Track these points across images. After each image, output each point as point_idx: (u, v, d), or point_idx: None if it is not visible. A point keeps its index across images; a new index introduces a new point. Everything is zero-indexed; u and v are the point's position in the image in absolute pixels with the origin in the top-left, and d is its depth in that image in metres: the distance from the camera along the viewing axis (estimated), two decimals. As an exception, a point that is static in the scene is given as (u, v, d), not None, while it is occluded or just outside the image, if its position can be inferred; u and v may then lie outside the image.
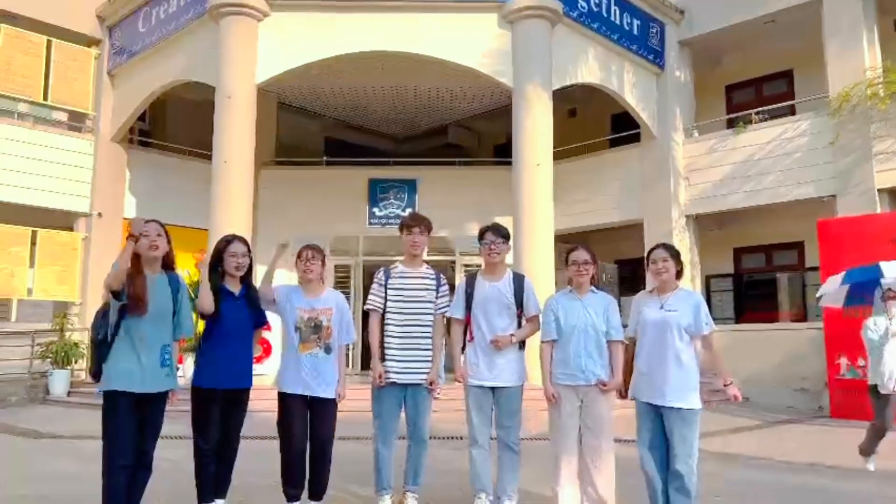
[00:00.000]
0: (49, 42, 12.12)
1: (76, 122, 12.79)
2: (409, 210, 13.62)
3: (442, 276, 4.55)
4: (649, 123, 12.55)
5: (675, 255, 4.03)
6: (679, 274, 4.00)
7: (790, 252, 12.77)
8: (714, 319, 4.04)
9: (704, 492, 4.25)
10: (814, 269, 11.22)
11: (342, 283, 13.44)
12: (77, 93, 12.51)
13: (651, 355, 3.88)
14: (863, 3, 10.99)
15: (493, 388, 4.21)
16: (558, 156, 11.16)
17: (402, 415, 4.35)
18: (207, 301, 3.89)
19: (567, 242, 13.38)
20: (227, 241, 4.11)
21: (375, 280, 4.44)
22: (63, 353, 10.70)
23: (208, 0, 10.42)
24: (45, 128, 12.25)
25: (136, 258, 3.59)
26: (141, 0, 12.09)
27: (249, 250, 4.14)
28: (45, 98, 12.12)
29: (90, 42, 12.82)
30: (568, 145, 12.85)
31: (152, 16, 11.92)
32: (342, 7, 10.45)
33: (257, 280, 4.28)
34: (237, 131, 10.25)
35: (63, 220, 12.39)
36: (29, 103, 12.23)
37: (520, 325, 4.31)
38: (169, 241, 3.71)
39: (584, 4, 11.28)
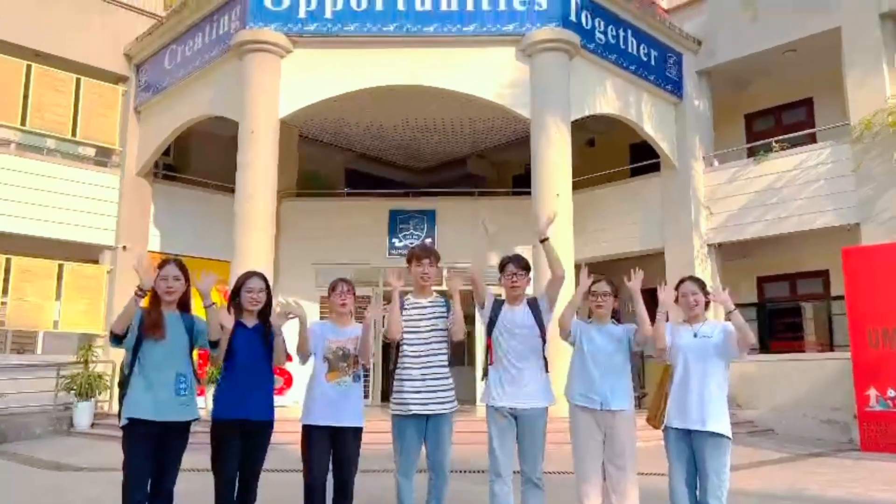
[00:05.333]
0: (78, 80, 12.45)
1: (103, 157, 13.07)
2: (428, 240, 13.68)
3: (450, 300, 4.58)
4: (669, 153, 12.55)
5: (704, 287, 4.20)
6: (707, 305, 4.13)
7: (815, 281, 12.60)
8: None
9: (733, 527, 4.17)
10: (839, 297, 11.06)
11: (363, 314, 13.45)
12: (104, 129, 12.80)
13: (687, 381, 3.95)
14: (882, 31, 10.98)
15: (515, 416, 4.18)
16: (578, 185, 11.18)
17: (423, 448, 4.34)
18: (214, 326, 3.96)
19: (588, 272, 13.38)
20: (247, 276, 4.24)
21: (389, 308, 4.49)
22: (87, 385, 10.79)
23: (233, 38, 10.66)
24: (73, 163, 12.54)
25: (155, 296, 3.80)
26: (167, 39, 12.40)
27: (268, 287, 4.26)
28: (74, 134, 12.41)
29: (118, 79, 13.15)
30: (587, 175, 12.87)
31: (178, 53, 12.21)
32: (362, 43, 10.63)
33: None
34: (260, 165, 10.40)
35: (89, 253, 12.61)
36: (58, 139, 12.54)
37: (544, 355, 4.33)
38: (188, 281, 3.86)
39: (602, 36, 11.38)
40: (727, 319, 3.95)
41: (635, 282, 4.21)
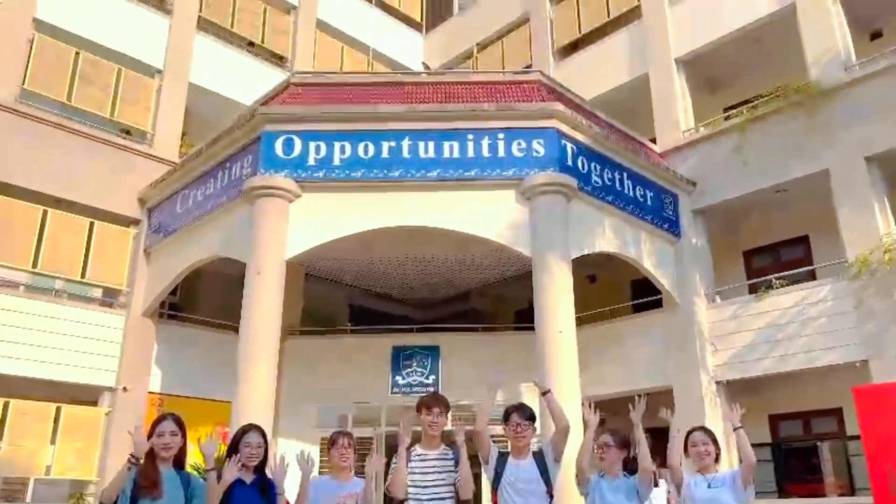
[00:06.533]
0: (92, 224, 12.85)
1: (109, 297, 13.22)
2: (432, 377, 13.53)
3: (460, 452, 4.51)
4: (670, 289, 12.65)
5: (714, 438, 4.33)
6: (718, 457, 4.18)
7: (829, 419, 12.31)
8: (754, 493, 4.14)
9: None
10: (855, 437, 10.74)
11: (364, 457, 13.03)
12: (113, 270, 13.05)
13: None
14: (869, 174, 11.40)
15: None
16: (580, 321, 11.20)
17: None
18: (213, 498, 3.92)
19: (596, 410, 13.06)
20: (244, 430, 4.27)
21: (394, 463, 4.38)
22: (73, 537, 10.31)
23: (244, 183, 11.06)
24: (79, 304, 12.62)
25: (151, 452, 3.79)
26: (180, 184, 12.89)
27: (266, 440, 4.28)
28: (83, 276, 12.63)
29: (129, 222, 13.54)
30: (589, 311, 12.91)
31: (190, 198, 12.64)
32: (368, 187, 11.03)
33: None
34: (265, 306, 10.47)
35: (87, 394, 12.42)
36: (66, 281, 12.73)
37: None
38: (184, 436, 3.83)
39: (598, 179, 11.81)
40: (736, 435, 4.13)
41: (636, 413, 4.28)
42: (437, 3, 21.22)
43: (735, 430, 4.08)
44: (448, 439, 4.53)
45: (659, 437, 13.31)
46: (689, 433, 4.27)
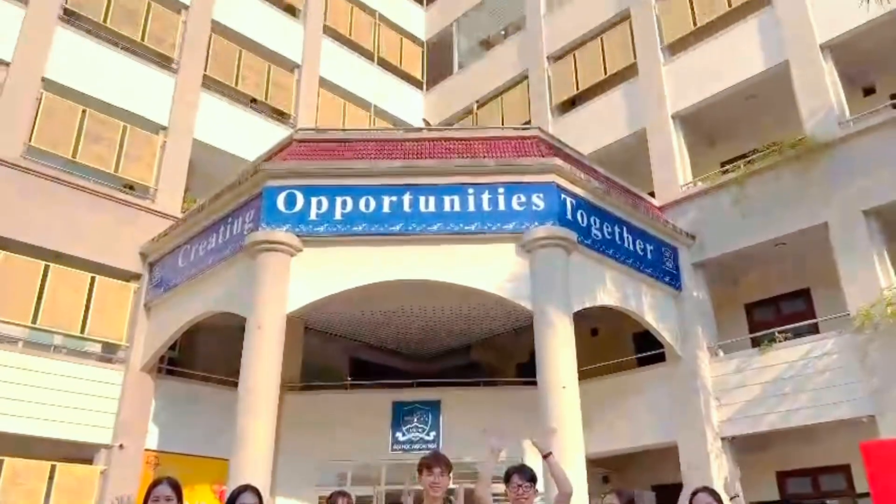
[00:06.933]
0: (93, 279, 12.85)
1: (108, 352, 13.12)
2: (432, 434, 13.32)
3: None
4: (672, 342, 12.56)
5: (719, 499, 4.15)
6: None
7: (837, 476, 12.05)
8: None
9: None
10: (864, 494, 10.51)
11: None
12: (113, 325, 12.98)
13: None
14: (867, 227, 11.45)
15: None
16: (583, 375, 11.07)
17: None
18: None
19: (600, 467, 12.81)
20: (239, 491, 4.19)
21: None
22: None
23: (246, 238, 11.11)
24: (77, 359, 12.53)
25: None
26: (182, 239, 12.94)
27: (261, 501, 4.20)
28: (83, 331, 12.58)
29: (130, 277, 13.54)
30: (592, 364, 12.78)
31: (191, 252, 12.67)
32: (370, 241, 11.07)
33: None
34: (265, 361, 10.38)
35: (83, 452, 12.22)
36: (66, 336, 12.66)
37: None
38: (180, 500, 3.80)
39: (598, 233, 11.86)
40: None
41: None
42: (437, 61, 21.68)
43: (731, 499, 3.99)
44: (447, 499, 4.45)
45: (666, 493, 13.00)
46: (693, 494, 4.15)
